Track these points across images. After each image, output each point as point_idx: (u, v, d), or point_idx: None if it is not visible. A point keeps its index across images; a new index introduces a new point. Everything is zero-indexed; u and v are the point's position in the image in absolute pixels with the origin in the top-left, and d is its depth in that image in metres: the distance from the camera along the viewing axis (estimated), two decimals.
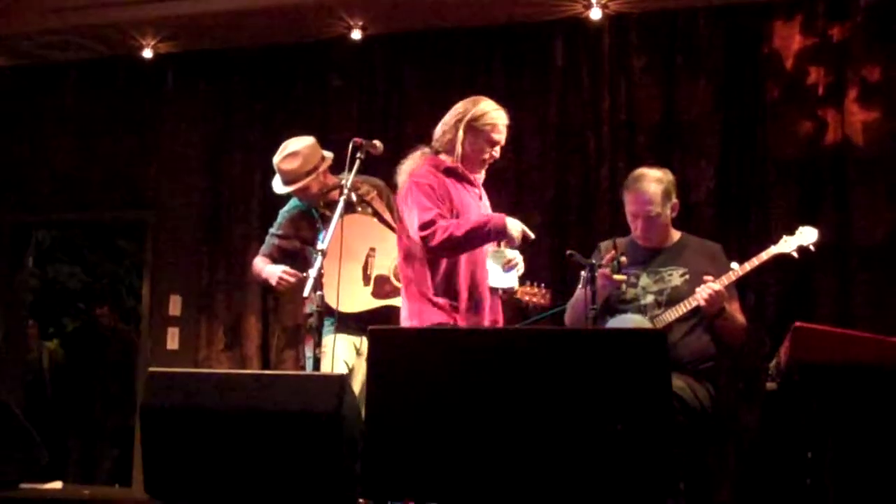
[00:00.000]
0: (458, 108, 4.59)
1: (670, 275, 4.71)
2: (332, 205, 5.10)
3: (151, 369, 3.70)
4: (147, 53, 7.03)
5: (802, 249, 4.61)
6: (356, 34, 6.67)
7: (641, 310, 4.67)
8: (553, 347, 3.24)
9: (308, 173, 5.11)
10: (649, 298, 4.69)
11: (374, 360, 3.33)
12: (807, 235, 4.63)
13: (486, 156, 4.56)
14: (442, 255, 4.41)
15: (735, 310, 4.70)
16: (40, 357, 9.42)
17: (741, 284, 5.74)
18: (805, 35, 6.07)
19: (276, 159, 5.19)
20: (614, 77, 6.40)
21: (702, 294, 4.51)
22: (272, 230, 5.37)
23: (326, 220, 5.12)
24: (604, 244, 4.82)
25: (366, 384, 3.41)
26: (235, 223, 7.09)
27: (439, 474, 3.18)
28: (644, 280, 4.73)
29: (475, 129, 4.52)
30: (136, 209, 7.47)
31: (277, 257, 5.31)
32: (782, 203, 5.94)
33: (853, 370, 3.63)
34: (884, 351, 3.67)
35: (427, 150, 4.62)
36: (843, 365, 3.63)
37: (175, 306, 7.24)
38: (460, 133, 4.52)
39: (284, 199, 5.36)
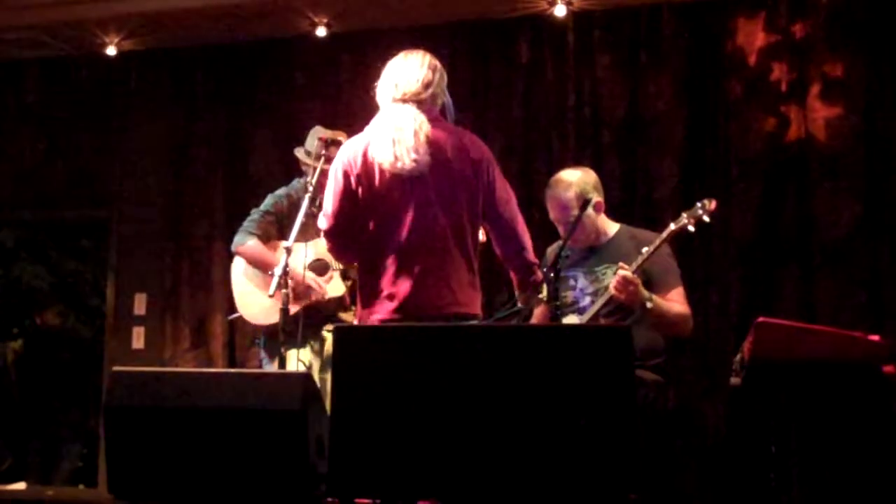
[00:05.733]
0: (437, 64, 4.00)
1: (605, 273, 4.62)
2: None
3: (115, 368, 3.66)
4: (111, 51, 6.96)
5: (698, 221, 4.46)
6: (321, 31, 6.64)
7: (581, 312, 4.61)
8: (518, 344, 3.24)
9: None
10: (587, 300, 4.63)
11: (340, 358, 3.32)
12: (704, 208, 4.47)
13: None
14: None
15: (673, 298, 4.59)
16: (4, 356, 9.34)
17: (704, 280, 5.75)
18: (768, 32, 6.10)
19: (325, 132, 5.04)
20: (579, 73, 6.40)
21: (612, 283, 4.41)
22: (262, 208, 5.20)
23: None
24: (550, 249, 4.78)
25: (330, 381, 3.40)
26: (199, 221, 7.05)
27: (406, 473, 3.17)
28: (581, 281, 4.67)
29: None
30: (99, 208, 7.40)
31: (273, 236, 5.12)
32: (745, 199, 5.97)
33: (815, 365, 3.66)
34: (845, 345, 3.70)
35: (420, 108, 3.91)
36: (805, 359, 3.65)
37: (140, 305, 7.17)
38: (449, 100, 4.07)
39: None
